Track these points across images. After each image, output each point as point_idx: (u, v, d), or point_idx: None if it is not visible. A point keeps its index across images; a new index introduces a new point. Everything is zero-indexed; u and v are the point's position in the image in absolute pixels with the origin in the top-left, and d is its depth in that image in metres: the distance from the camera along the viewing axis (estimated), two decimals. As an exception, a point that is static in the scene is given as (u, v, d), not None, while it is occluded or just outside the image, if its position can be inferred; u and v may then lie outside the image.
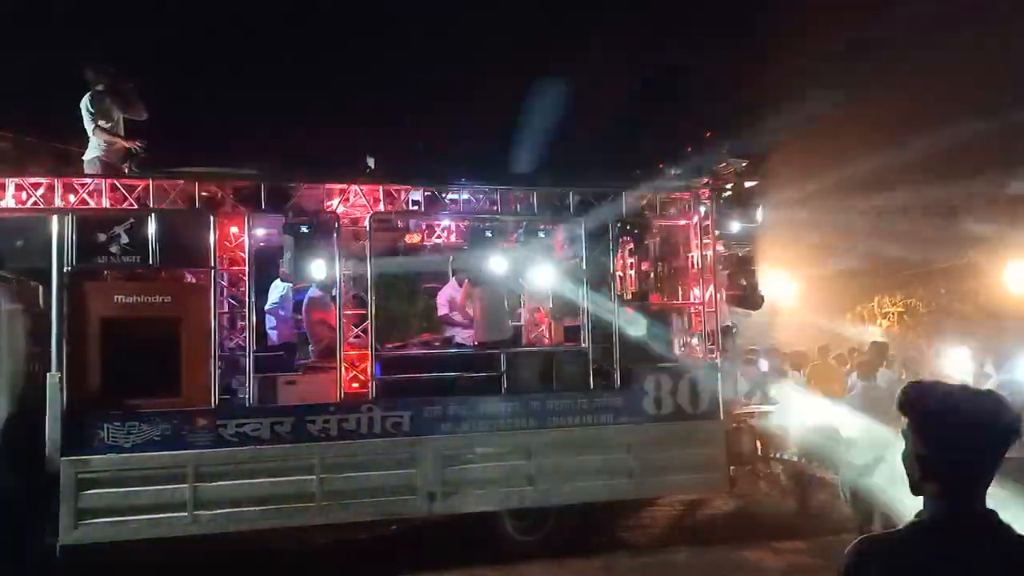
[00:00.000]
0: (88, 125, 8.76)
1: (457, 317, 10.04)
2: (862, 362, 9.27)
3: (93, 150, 8.75)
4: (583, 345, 9.10)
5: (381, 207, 8.78)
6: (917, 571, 2.03)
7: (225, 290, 8.40)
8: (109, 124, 8.77)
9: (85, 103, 8.77)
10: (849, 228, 17.69)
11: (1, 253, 8.00)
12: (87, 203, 8.01)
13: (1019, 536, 2.06)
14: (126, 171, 8.63)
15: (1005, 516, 2.08)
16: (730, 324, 9.83)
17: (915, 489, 2.15)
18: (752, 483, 11.02)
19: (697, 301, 9.65)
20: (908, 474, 2.16)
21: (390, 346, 9.81)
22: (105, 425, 7.62)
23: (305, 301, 9.48)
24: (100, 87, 8.85)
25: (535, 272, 9.48)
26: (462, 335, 9.91)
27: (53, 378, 7.56)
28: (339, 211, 8.60)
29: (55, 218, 7.79)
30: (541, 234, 9.24)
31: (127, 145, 8.75)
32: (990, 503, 2.10)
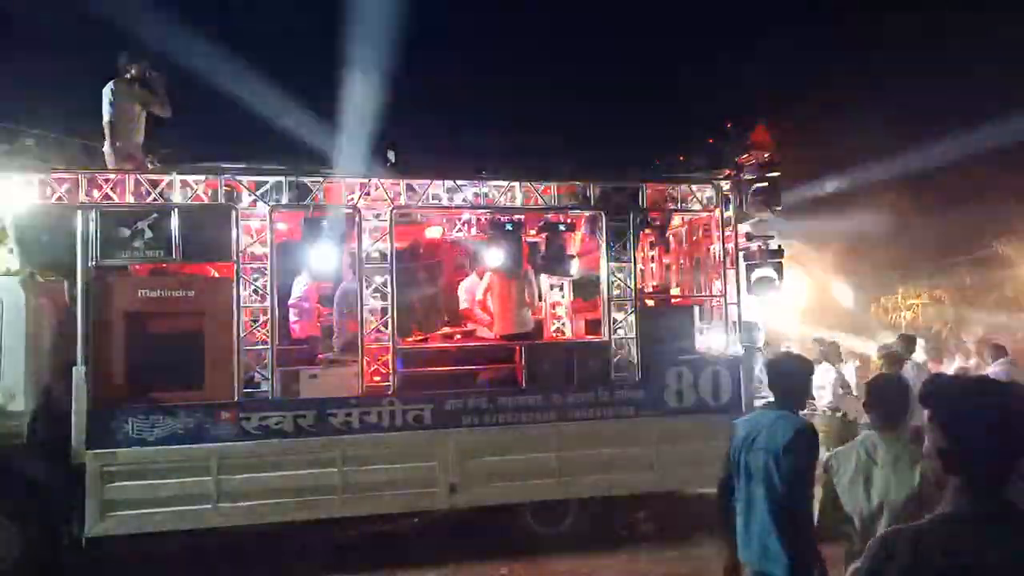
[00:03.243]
0: (107, 113, 8.75)
1: (480, 311, 10.03)
2: (888, 354, 9.17)
3: (110, 140, 8.76)
4: (604, 338, 9.09)
5: (402, 201, 8.78)
6: (941, 564, 2.01)
7: (248, 284, 8.43)
8: (130, 115, 8.79)
9: (108, 91, 8.77)
10: (874, 220, 17.55)
11: (27, 248, 8.09)
12: (111, 198, 8.07)
13: None
14: (149, 166, 8.68)
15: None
16: (755, 322, 9.74)
17: (938, 482, 2.13)
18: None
19: (718, 293, 9.59)
20: (930, 468, 2.15)
21: (411, 340, 9.81)
22: (130, 418, 7.70)
23: (339, 293, 9.46)
24: (128, 76, 8.86)
25: (555, 265, 9.46)
26: (489, 328, 9.90)
27: (78, 372, 7.64)
28: (360, 205, 8.61)
29: (79, 213, 7.86)
30: (562, 227, 9.21)
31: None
32: None
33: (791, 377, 4.37)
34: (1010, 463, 2.07)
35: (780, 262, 9.38)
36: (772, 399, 4.47)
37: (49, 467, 7.53)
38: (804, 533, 4.08)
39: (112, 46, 9.21)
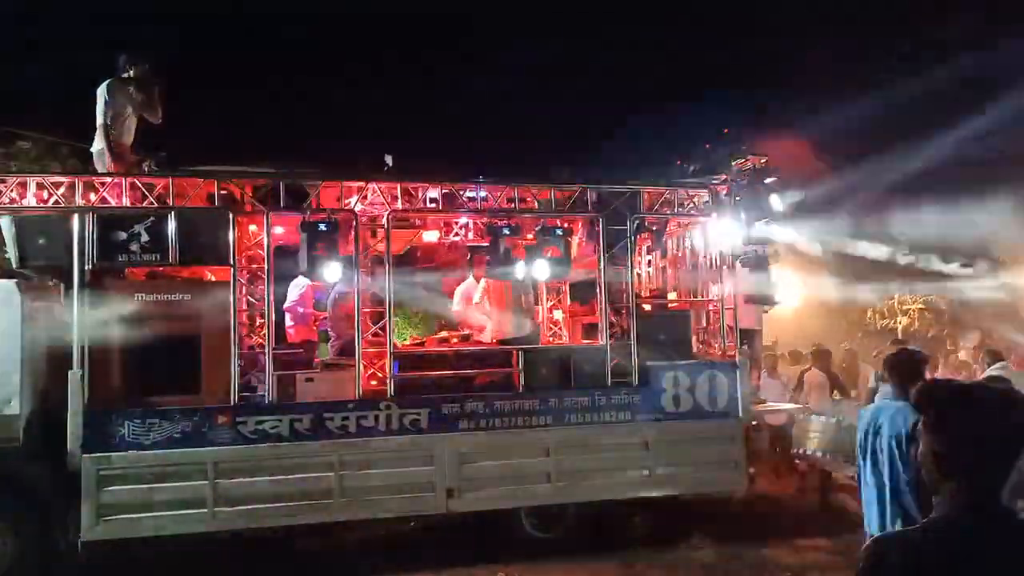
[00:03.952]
0: (100, 113, 8.69)
1: (473, 313, 10.03)
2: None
3: (101, 141, 8.69)
4: (600, 342, 9.09)
5: (399, 205, 8.77)
6: (934, 569, 2.01)
7: (244, 288, 8.42)
8: (123, 115, 8.75)
9: (103, 89, 8.70)
10: (869, 223, 17.53)
11: (24, 251, 8.06)
12: (107, 202, 8.06)
13: None
14: (146, 169, 8.65)
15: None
16: (757, 329, 9.75)
17: (933, 487, 2.13)
18: (772, 481, 10.97)
19: (715, 298, 9.60)
20: (925, 472, 2.14)
21: (408, 343, 9.81)
22: (126, 422, 7.67)
23: (332, 296, 9.47)
24: (126, 76, 8.82)
25: (552, 269, 9.45)
26: (479, 332, 9.90)
27: (74, 376, 7.62)
28: (357, 209, 8.60)
29: (76, 216, 7.84)
30: (559, 231, 9.20)
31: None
32: None
33: (908, 370, 4.91)
34: (1005, 467, 2.07)
35: (775, 266, 9.38)
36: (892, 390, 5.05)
37: (45, 471, 7.52)
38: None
39: (111, 47, 9.19)
